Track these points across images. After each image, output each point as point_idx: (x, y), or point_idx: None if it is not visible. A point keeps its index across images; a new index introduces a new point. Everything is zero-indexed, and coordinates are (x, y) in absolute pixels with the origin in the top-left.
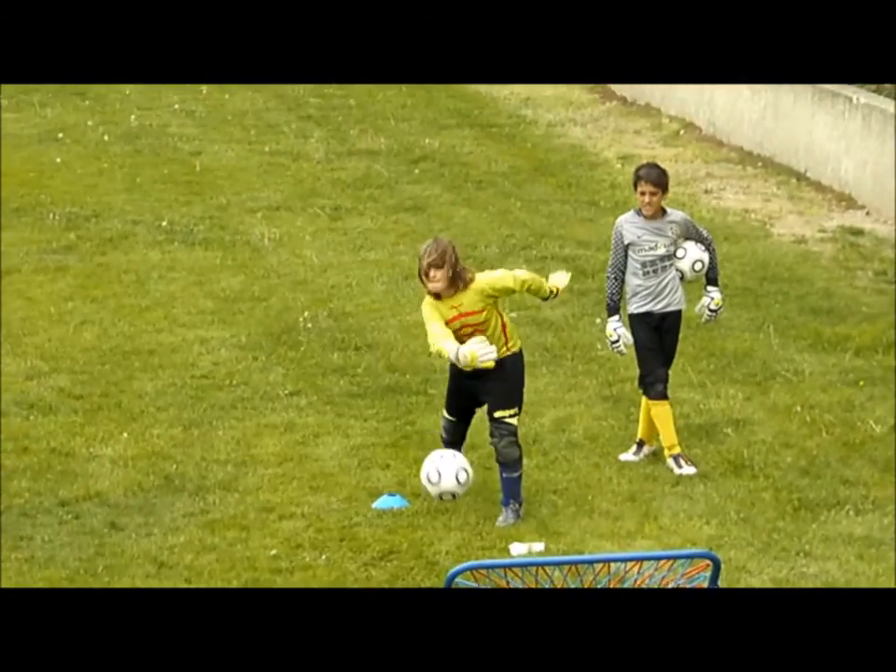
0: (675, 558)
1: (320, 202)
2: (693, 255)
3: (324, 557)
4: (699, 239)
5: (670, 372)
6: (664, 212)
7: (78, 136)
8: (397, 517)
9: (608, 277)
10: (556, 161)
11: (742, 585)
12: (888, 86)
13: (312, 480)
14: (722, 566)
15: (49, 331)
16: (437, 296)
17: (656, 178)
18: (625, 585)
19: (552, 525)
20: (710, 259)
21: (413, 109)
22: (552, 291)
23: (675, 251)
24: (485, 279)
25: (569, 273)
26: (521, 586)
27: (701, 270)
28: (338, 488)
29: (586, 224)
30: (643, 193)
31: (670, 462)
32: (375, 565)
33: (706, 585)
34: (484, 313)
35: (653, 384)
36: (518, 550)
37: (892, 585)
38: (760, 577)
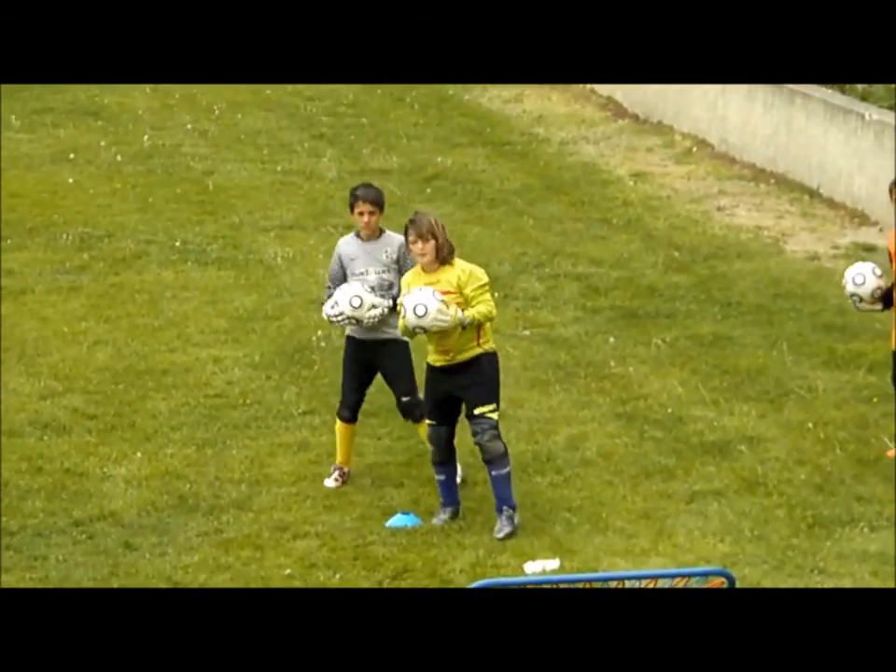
0: (689, 576)
1: (333, 220)
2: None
3: (338, 576)
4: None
5: (680, 391)
6: (381, 233)
7: (91, 157)
8: (410, 535)
9: (327, 288)
10: (569, 178)
11: None
12: None
13: (325, 499)
14: (737, 583)
15: (63, 351)
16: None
17: (374, 197)
18: None
19: (566, 543)
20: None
21: (426, 127)
22: (473, 320)
23: (388, 285)
24: (466, 267)
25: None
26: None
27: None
28: (351, 507)
29: (599, 242)
30: (361, 213)
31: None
32: (389, 583)
33: None
34: (458, 297)
35: (341, 408)
36: (532, 568)
37: None
38: None
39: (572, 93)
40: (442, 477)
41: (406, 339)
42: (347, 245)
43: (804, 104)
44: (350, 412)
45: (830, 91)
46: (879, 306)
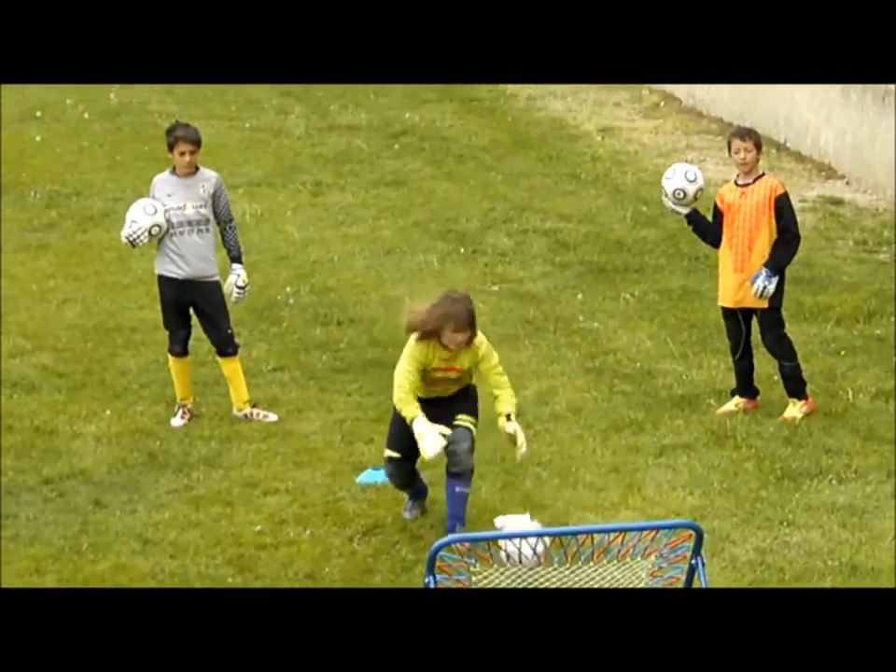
0: (658, 529)
1: (301, 177)
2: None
3: (308, 532)
4: (224, 207)
5: (649, 345)
6: (196, 170)
7: (58, 115)
8: (381, 491)
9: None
10: (537, 134)
11: (726, 555)
12: None
13: (296, 455)
14: (705, 536)
15: (32, 309)
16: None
17: (194, 137)
18: (609, 556)
19: (535, 498)
20: (231, 236)
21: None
22: (505, 415)
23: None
24: (483, 347)
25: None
26: (505, 558)
27: (242, 290)
28: (322, 463)
29: (567, 197)
30: (182, 153)
31: None
32: (360, 539)
33: (688, 555)
34: (467, 372)
35: (171, 344)
36: (502, 522)
37: (873, 555)
38: (743, 546)
39: None
40: (409, 491)
41: (218, 278)
42: (164, 182)
43: None
44: (181, 345)
45: None
46: (686, 210)
